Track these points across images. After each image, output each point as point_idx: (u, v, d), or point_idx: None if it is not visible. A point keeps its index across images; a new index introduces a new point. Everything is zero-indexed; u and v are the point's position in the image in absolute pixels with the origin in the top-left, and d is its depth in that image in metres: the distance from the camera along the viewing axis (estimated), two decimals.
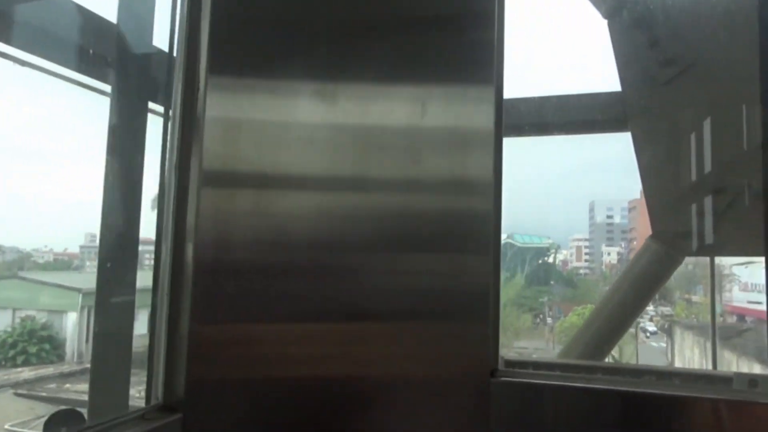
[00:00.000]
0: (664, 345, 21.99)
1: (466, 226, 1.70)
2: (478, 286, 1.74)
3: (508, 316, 34.28)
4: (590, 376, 1.85)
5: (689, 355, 18.81)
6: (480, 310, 1.76)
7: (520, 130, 4.03)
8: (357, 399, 1.58)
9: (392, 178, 1.63)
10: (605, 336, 3.26)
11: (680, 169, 3.13)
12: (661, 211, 3.24)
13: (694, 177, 3.11)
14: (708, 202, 3.08)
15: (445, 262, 1.71)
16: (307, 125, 1.56)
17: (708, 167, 3.09)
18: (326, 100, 1.56)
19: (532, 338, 39.51)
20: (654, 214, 3.27)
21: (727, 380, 2.45)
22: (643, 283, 3.17)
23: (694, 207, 3.16)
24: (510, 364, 2.01)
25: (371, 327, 1.62)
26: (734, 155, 2.99)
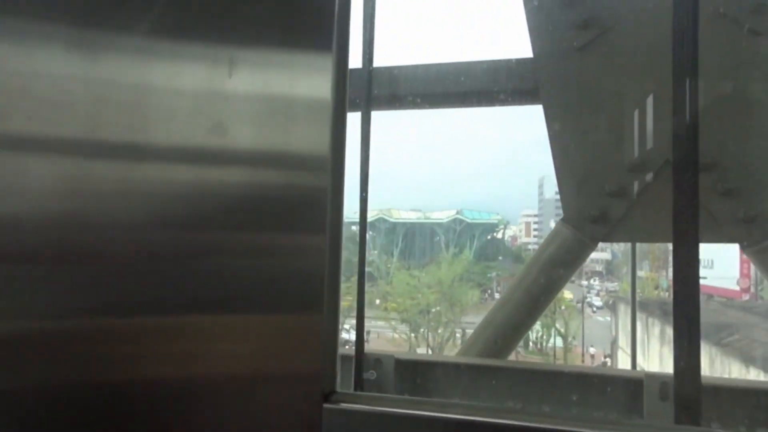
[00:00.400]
0: (609, 319, 22.77)
1: (288, 205, 1.49)
2: (309, 279, 1.49)
3: (456, 291, 35.15)
4: (445, 402, 1.60)
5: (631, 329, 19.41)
6: (312, 310, 1.50)
7: (403, 101, 3.57)
8: (144, 411, 1.34)
9: (184, 147, 1.40)
10: (511, 328, 2.90)
11: (594, 145, 2.73)
12: (572, 192, 2.86)
13: (608, 154, 2.73)
14: (624, 181, 2.70)
15: (263, 245, 1.48)
16: (62, 79, 1.31)
17: (625, 143, 2.73)
18: (87, 52, 1.33)
19: (479, 313, 40.71)
20: (565, 196, 2.87)
21: (637, 383, 2.15)
22: (552, 271, 2.82)
23: (608, 187, 2.78)
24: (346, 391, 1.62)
25: (149, 323, 1.38)
26: (653, 129, 2.64)
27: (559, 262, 2.88)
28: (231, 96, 1.44)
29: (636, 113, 2.66)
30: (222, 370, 1.43)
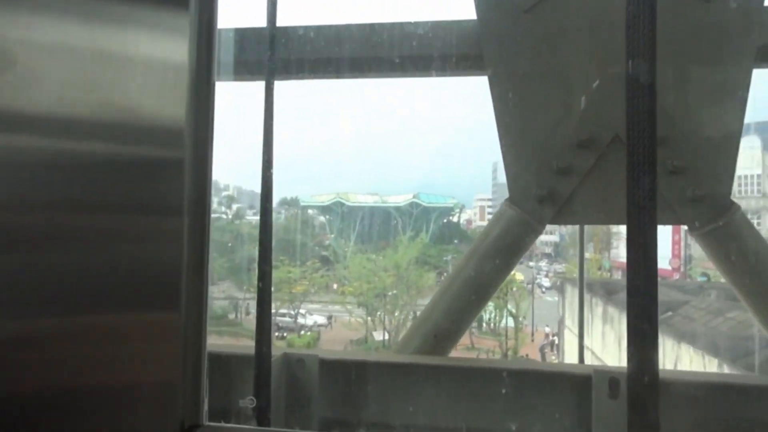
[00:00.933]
0: (557, 299, 23.28)
1: (138, 182, 1.24)
2: (163, 270, 1.24)
3: (412, 274, 35.30)
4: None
5: (577, 309, 19.84)
6: (167, 309, 1.24)
7: (323, 67, 3.11)
8: None
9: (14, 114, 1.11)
10: (451, 321, 2.56)
11: (541, 118, 2.46)
12: (518, 170, 2.58)
13: (556, 128, 2.45)
14: (573, 158, 2.44)
15: (109, 230, 1.21)
16: None
17: (574, 116, 2.46)
18: None
19: None
20: (511, 174, 2.59)
21: (585, 379, 1.90)
22: (497, 255, 2.52)
23: (556, 164, 2.49)
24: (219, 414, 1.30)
25: None
26: (604, 101, 2.39)
27: (504, 248, 2.58)
28: (68, 58, 1.15)
29: (586, 84, 2.40)
30: (61, 383, 1.10)
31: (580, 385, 2.01)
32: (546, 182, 2.50)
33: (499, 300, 31.90)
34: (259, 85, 2.43)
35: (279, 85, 2.71)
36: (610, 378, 1.95)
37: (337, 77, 3.34)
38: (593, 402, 1.92)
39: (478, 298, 2.65)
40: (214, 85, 1.34)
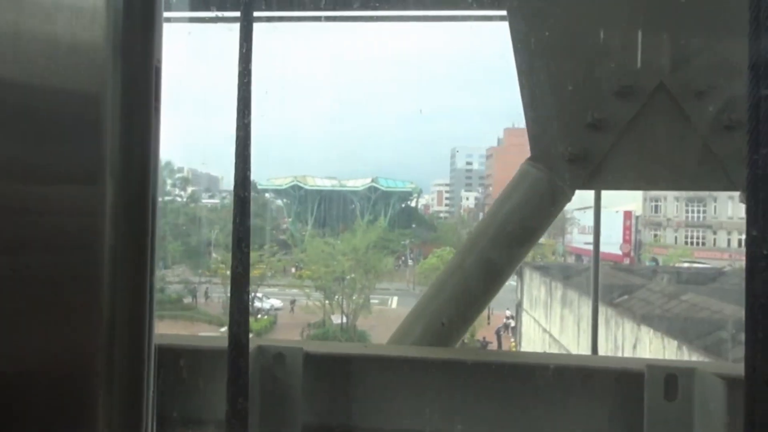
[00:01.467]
0: (514, 283, 23.46)
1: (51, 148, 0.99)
2: None
3: (371, 258, 35.08)
4: None
5: (536, 294, 20.07)
6: None
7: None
8: None
9: None
10: (463, 304, 2.06)
11: (571, 60, 2.08)
12: (544, 123, 2.15)
13: (590, 72, 2.07)
14: (610, 110, 2.05)
15: None
16: None
17: (612, 59, 2.05)
18: None
19: (393, 280, 41.15)
20: (534, 128, 2.17)
21: (635, 376, 1.56)
22: (518, 225, 2.02)
23: (590, 116, 2.10)
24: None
25: None
26: (650, 41, 2.01)
27: (527, 215, 2.12)
28: None
29: (628, 19, 2.04)
30: None
31: (629, 382, 1.65)
32: (578, 138, 2.07)
33: None
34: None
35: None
36: (666, 375, 1.60)
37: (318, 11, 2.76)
38: (645, 404, 1.57)
39: (495, 277, 2.17)
40: (160, 28, 0.97)
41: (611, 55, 2.17)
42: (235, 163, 1.17)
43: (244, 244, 1.14)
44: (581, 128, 2.11)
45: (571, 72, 2.15)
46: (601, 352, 14.11)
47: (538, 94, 2.30)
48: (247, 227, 1.16)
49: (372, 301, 34.77)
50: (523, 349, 22.50)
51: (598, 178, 2.19)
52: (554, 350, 17.67)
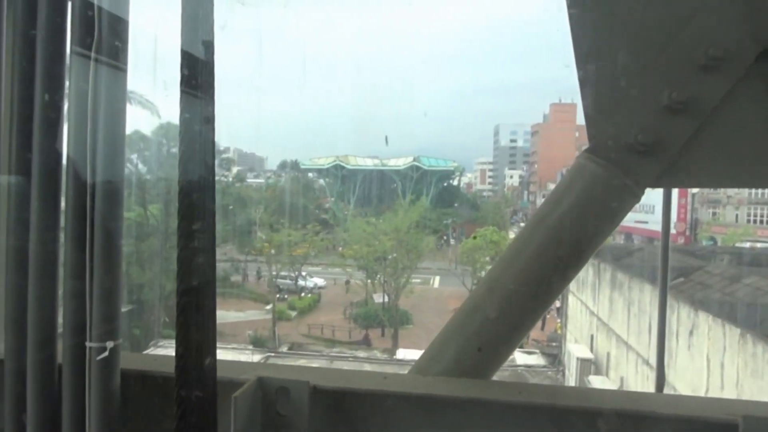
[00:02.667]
0: None
1: None
2: None
3: (412, 238, 34.92)
4: None
5: (583, 275, 19.42)
6: None
7: None
8: None
9: None
10: (505, 325, 1.62)
11: (643, 26, 1.73)
12: (605, 106, 1.78)
13: (669, 38, 1.70)
14: (695, 87, 1.65)
15: None
16: None
17: (698, 22, 1.67)
18: None
19: (435, 259, 40.89)
20: (594, 112, 1.79)
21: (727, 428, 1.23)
22: (573, 231, 1.62)
23: (667, 96, 1.72)
24: None
25: None
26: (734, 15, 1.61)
27: (583, 219, 1.69)
28: None
29: None
30: None
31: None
32: (650, 124, 1.68)
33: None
34: None
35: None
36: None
37: None
38: None
39: (543, 294, 1.72)
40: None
41: (696, 17, 1.80)
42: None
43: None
44: (655, 112, 1.72)
45: (643, 40, 1.80)
46: (654, 337, 13.55)
47: (600, 69, 1.95)
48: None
49: (414, 280, 34.74)
50: (569, 332, 21.97)
51: (674, 174, 1.77)
52: (602, 334, 17.10)
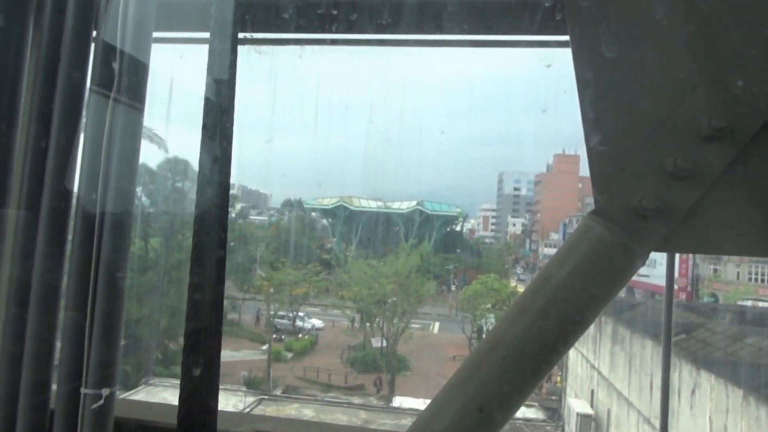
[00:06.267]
0: None
1: None
2: None
3: (413, 282, 34.64)
4: None
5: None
6: None
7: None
8: None
9: None
10: (507, 386, 1.57)
11: (648, 94, 1.78)
12: (611, 170, 1.80)
13: (674, 108, 1.73)
14: (699, 155, 1.66)
15: None
16: None
17: (702, 94, 1.72)
18: None
19: (435, 304, 40.43)
20: (600, 175, 1.80)
21: None
22: (576, 292, 1.62)
23: (672, 163, 1.74)
24: None
25: None
26: (753, 71, 1.64)
27: (588, 280, 1.66)
28: None
29: (725, 43, 1.72)
30: None
31: None
32: (655, 189, 1.70)
33: (501, 311, 31.21)
34: None
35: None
36: None
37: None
38: None
39: (547, 354, 1.65)
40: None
41: (699, 89, 1.86)
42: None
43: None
44: (660, 177, 1.74)
45: (647, 109, 1.85)
46: (655, 395, 13.20)
47: (604, 132, 2.00)
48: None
49: (413, 325, 34.24)
50: (569, 386, 21.44)
51: (679, 239, 1.79)
52: (603, 389, 16.71)
